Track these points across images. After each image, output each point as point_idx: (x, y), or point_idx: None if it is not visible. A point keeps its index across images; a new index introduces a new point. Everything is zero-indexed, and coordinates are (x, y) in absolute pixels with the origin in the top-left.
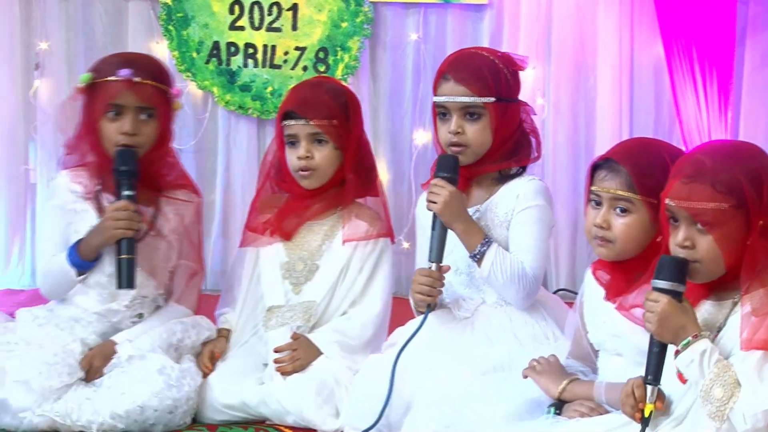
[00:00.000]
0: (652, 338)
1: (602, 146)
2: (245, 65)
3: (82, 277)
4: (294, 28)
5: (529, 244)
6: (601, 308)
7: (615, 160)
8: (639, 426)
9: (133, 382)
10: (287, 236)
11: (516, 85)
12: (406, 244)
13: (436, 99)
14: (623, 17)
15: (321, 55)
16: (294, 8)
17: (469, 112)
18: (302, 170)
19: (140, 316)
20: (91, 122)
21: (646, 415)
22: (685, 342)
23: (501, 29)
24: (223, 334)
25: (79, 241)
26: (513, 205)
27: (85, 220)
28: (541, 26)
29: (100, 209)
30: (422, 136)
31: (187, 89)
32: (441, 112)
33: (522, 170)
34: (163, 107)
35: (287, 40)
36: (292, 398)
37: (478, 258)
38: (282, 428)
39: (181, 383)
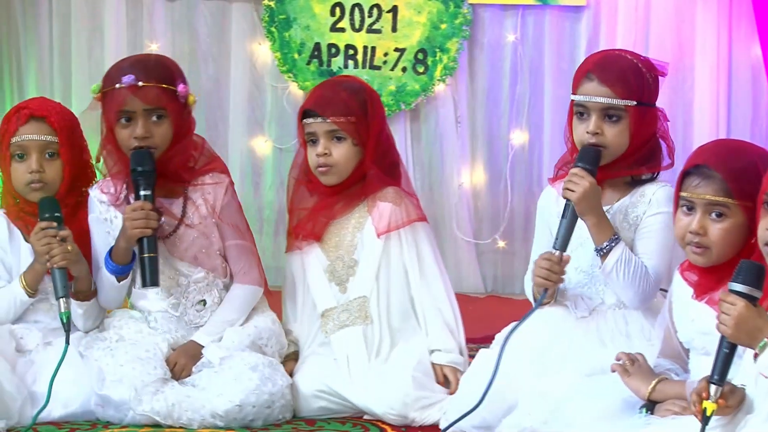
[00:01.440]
0: (722, 339)
1: None
2: (345, 66)
3: (123, 282)
4: (394, 29)
5: (654, 250)
6: (689, 307)
7: (708, 165)
8: (732, 426)
9: (229, 382)
10: (317, 237)
11: (656, 90)
12: (501, 243)
13: (577, 98)
14: (721, 18)
15: (420, 56)
16: (394, 10)
17: (609, 114)
18: (321, 167)
19: (203, 302)
20: (109, 129)
21: (708, 413)
22: (762, 344)
23: (598, 30)
24: (292, 357)
25: (111, 248)
26: (644, 209)
27: (118, 226)
28: (639, 27)
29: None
30: (519, 137)
31: (289, 89)
32: (579, 111)
33: (654, 175)
34: (172, 106)
35: (387, 42)
36: (388, 391)
37: (604, 253)
38: (378, 423)
39: (274, 378)
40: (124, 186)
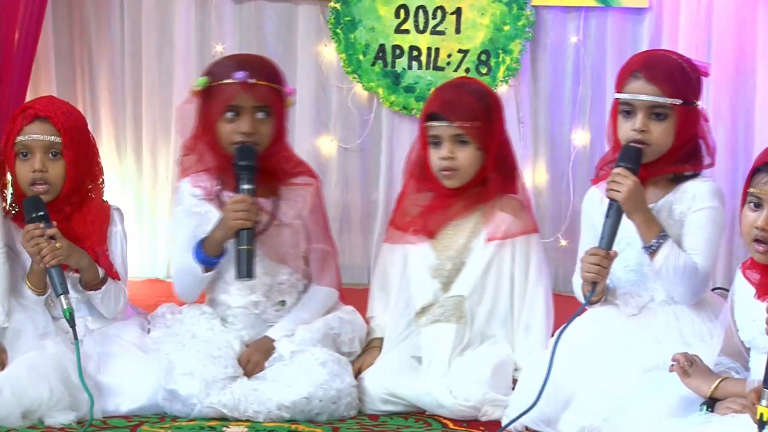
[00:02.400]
0: None
1: (761, 149)
2: (410, 67)
3: (208, 273)
4: (457, 31)
5: (701, 245)
6: (751, 306)
7: None
8: None
9: (298, 375)
10: (431, 234)
11: (699, 89)
12: (563, 242)
13: (623, 96)
14: None
15: (483, 57)
16: (458, 12)
17: (656, 112)
18: (445, 170)
19: (282, 303)
20: (209, 124)
21: (765, 418)
22: None
23: (660, 32)
24: (376, 344)
25: (203, 238)
26: (688, 205)
27: (210, 220)
28: (701, 29)
29: (222, 207)
30: (581, 137)
31: (353, 90)
32: (625, 110)
33: (696, 172)
34: (278, 105)
35: (451, 43)
36: (467, 382)
37: (652, 250)
38: (441, 419)
39: (343, 376)
40: (219, 182)
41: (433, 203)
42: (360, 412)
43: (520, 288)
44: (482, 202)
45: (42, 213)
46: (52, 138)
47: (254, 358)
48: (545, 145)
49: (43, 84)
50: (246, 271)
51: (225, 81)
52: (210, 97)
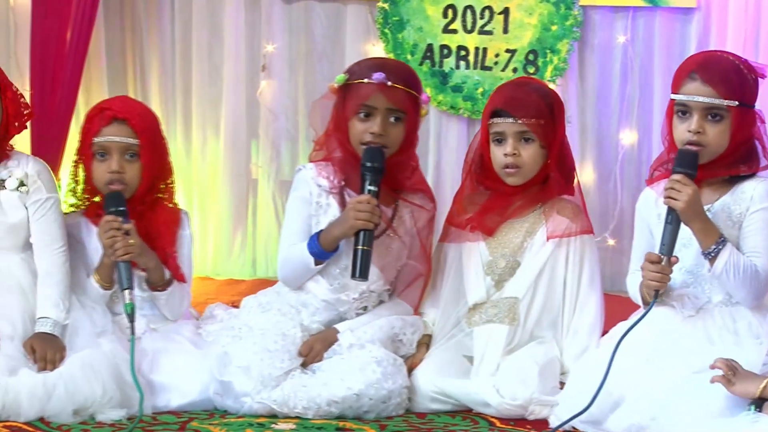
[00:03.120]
0: None
1: None
2: (457, 67)
3: (319, 266)
4: (505, 31)
5: (761, 246)
6: None
7: None
8: None
9: (352, 371)
10: (489, 232)
11: (756, 91)
12: (611, 241)
13: (679, 97)
14: None
15: (531, 57)
16: (505, 12)
17: (712, 113)
18: (508, 167)
19: (365, 309)
20: (342, 121)
21: None
22: None
23: (708, 32)
24: (423, 341)
25: (320, 232)
26: (746, 206)
27: (327, 213)
28: (749, 29)
29: (343, 204)
30: (628, 137)
31: None
32: (681, 111)
33: (752, 173)
34: (411, 112)
35: (498, 43)
36: (515, 382)
37: (712, 256)
38: (488, 417)
39: (396, 377)
40: (344, 178)
41: (492, 201)
42: (408, 410)
43: (571, 291)
44: (541, 202)
45: (122, 209)
46: (130, 140)
47: (316, 346)
48: (592, 145)
49: (94, 82)
50: (361, 272)
51: (363, 80)
52: (346, 95)
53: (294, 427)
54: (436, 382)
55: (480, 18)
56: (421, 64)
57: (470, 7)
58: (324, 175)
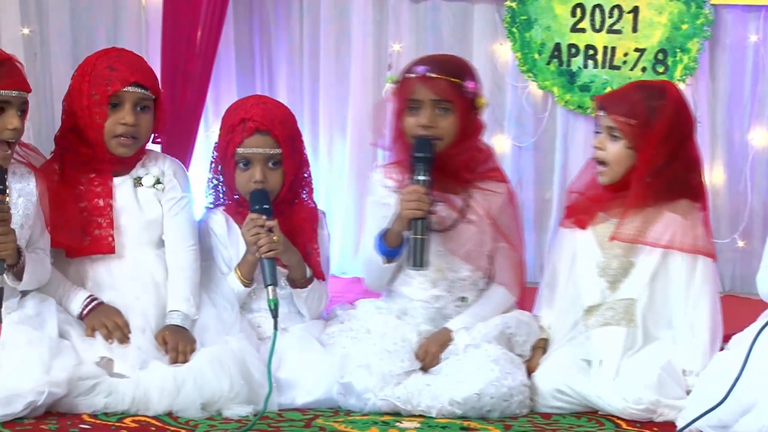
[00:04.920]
0: None
1: None
2: (585, 66)
3: (390, 264)
4: (634, 29)
5: None
6: None
7: None
8: None
9: (471, 371)
10: (582, 225)
11: None
12: (741, 243)
13: None
14: None
15: (660, 56)
16: (635, 11)
17: None
18: (596, 160)
19: (463, 299)
20: (397, 117)
21: None
22: None
23: None
24: (540, 345)
25: (385, 230)
26: None
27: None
28: None
29: None
30: (760, 137)
31: (528, 89)
32: None
33: None
34: (459, 101)
35: (627, 42)
36: (636, 387)
37: None
38: (614, 419)
39: (515, 374)
40: (407, 173)
41: (595, 194)
42: (532, 411)
43: (686, 289)
44: (643, 205)
45: (267, 207)
46: (273, 151)
47: (432, 349)
48: (723, 145)
49: (223, 81)
50: (419, 260)
51: (407, 75)
52: (397, 93)
53: (418, 425)
54: (557, 380)
55: (609, 17)
56: (548, 63)
57: (599, 5)
58: (389, 176)
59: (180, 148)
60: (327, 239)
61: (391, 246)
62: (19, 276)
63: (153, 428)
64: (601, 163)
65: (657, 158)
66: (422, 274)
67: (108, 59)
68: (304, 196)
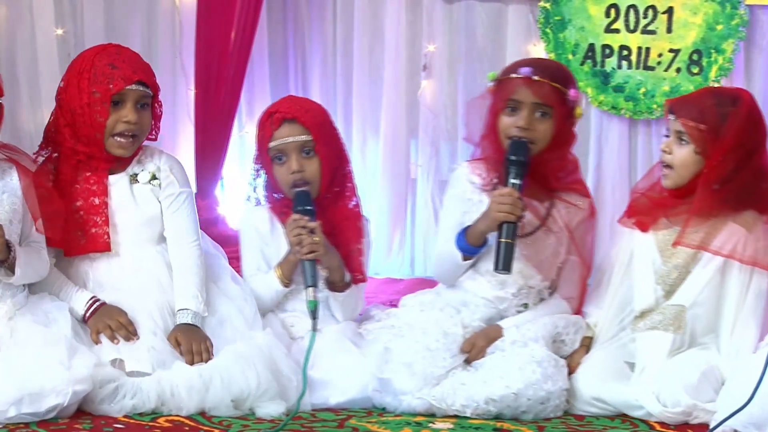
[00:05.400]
0: None
1: None
2: (619, 67)
3: (468, 262)
4: (669, 30)
5: None
6: None
7: None
8: None
9: (512, 369)
10: (644, 228)
11: None
12: None
13: None
14: None
15: (695, 57)
16: (669, 11)
17: None
18: (662, 164)
19: (525, 305)
20: (493, 116)
21: None
22: None
23: None
24: (585, 344)
25: (467, 227)
26: None
27: (479, 210)
28: None
29: None
30: None
31: None
32: None
33: None
34: (559, 108)
35: (662, 42)
36: (676, 391)
37: None
38: (647, 421)
39: (556, 378)
40: (496, 175)
41: (660, 197)
42: (566, 412)
43: (739, 298)
44: (710, 214)
45: (309, 208)
46: (303, 137)
47: (479, 343)
48: None
49: (257, 82)
50: (503, 264)
51: (510, 75)
52: (496, 92)
53: (452, 426)
54: (596, 387)
55: (643, 17)
56: (582, 63)
57: (633, 6)
58: (477, 173)
59: (213, 149)
60: (368, 247)
61: (472, 244)
62: (11, 270)
63: (186, 428)
64: (667, 166)
65: (725, 166)
66: (492, 274)
67: (108, 56)
68: (347, 194)
